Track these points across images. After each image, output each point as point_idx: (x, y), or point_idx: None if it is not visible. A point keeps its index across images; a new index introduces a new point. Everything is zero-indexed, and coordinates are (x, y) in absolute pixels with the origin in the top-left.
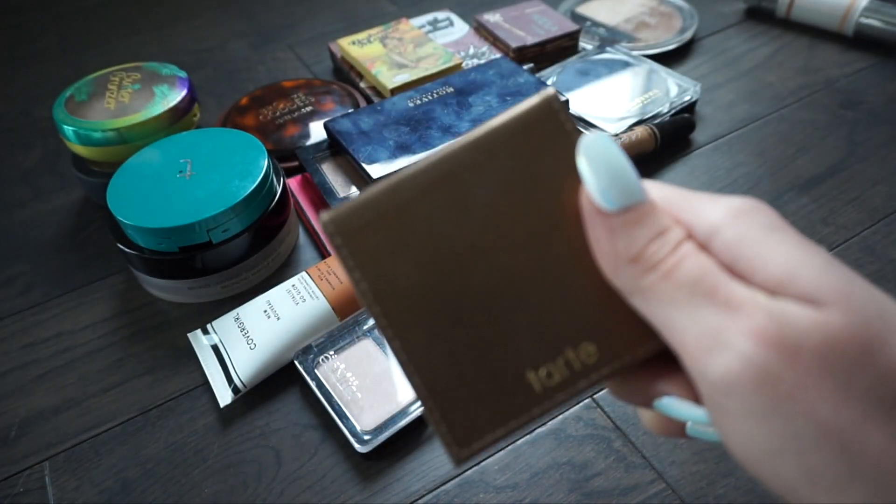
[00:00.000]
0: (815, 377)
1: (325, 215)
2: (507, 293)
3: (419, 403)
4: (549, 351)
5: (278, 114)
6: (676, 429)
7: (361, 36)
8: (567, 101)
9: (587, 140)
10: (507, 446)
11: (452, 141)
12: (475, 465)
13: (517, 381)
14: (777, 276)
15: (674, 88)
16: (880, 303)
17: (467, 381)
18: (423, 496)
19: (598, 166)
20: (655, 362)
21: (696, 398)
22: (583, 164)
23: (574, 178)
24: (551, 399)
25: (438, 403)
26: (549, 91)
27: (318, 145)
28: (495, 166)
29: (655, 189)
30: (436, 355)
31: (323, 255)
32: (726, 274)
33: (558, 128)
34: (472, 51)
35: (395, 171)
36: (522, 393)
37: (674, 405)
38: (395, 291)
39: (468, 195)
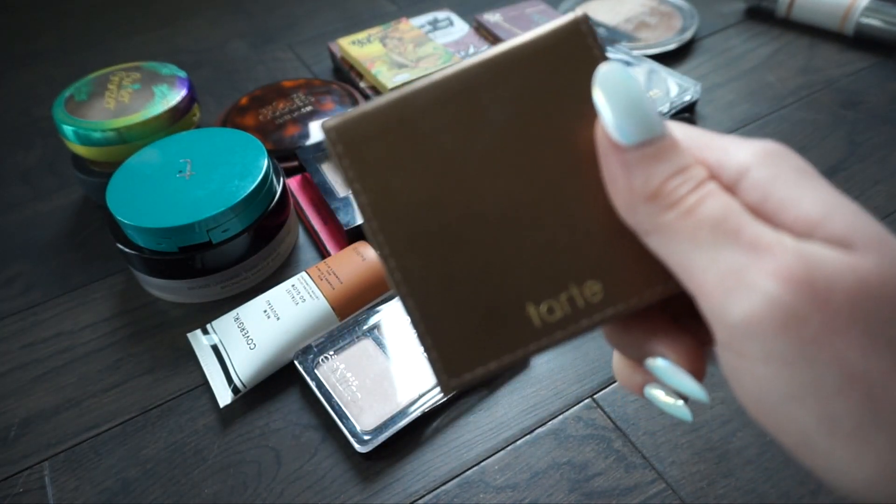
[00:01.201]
0: (844, 322)
1: (329, 121)
2: (513, 221)
3: (414, 330)
4: (553, 285)
5: (278, 114)
6: (637, 385)
7: (361, 36)
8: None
9: (604, 70)
10: (507, 446)
11: (471, 57)
12: (475, 466)
13: (516, 314)
14: (810, 216)
15: (674, 88)
16: None
17: (464, 309)
18: (423, 496)
19: (615, 98)
20: (655, 316)
21: (690, 364)
22: (598, 95)
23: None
24: (550, 336)
25: (431, 329)
26: (579, 13)
27: (318, 145)
28: (513, 86)
29: (680, 129)
30: (433, 278)
31: (323, 255)
32: (752, 216)
33: (585, 51)
34: (472, 51)
35: (407, 83)
36: (521, 326)
37: (668, 371)
38: (395, 207)
39: (481, 114)
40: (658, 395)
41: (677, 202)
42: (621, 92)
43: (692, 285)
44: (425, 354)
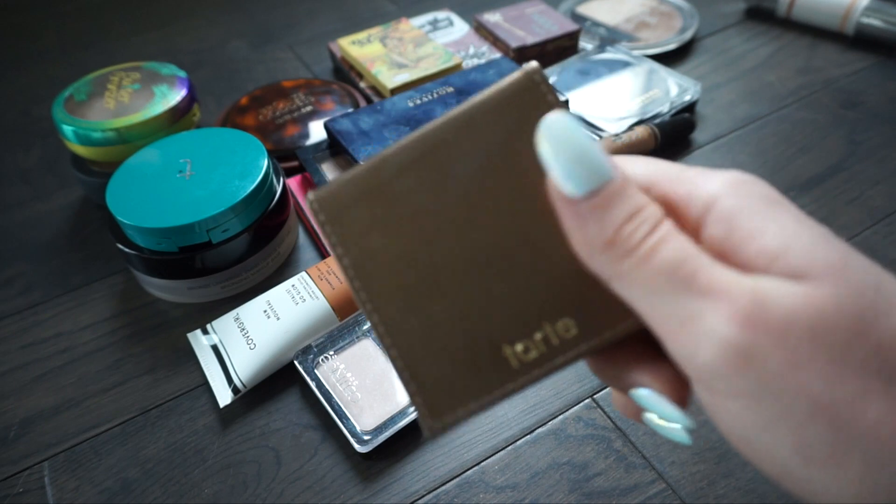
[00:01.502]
0: (805, 353)
1: (311, 194)
2: (486, 268)
3: (399, 378)
4: (527, 326)
5: (278, 114)
6: (634, 412)
7: (361, 36)
8: (566, 101)
9: (545, 123)
10: (507, 446)
11: (436, 119)
12: (475, 466)
13: (493, 356)
14: (770, 247)
15: (674, 88)
16: (876, 275)
17: (444, 355)
18: (423, 496)
19: (558, 150)
20: (636, 346)
21: (673, 392)
22: (543, 148)
23: None
24: (528, 375)
25: (414, 376)
26: (532, 64)
27: (318, 145)
28: (476, 141)
29: (648, 164)
30: (413, 328)
31: (323, 255)
32: (707, 255)
33: (540, 100)
34: (472, 51)
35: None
36: (498, 368)
37: (651, 400)
38: (375, 266)
39: (448, 171)
40: (654, 419)
41: (632, 250)
42: (564, 143)
43: (656, 330)
44: (411, 401)
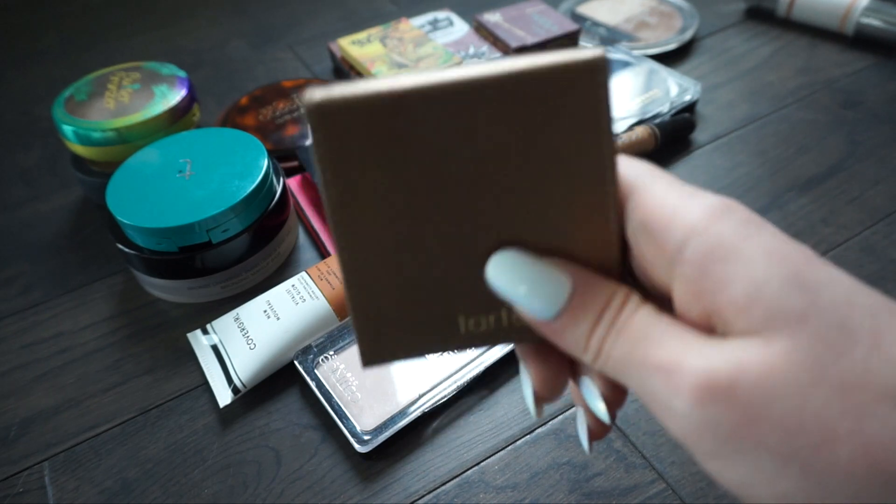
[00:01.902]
0: (756, 410)
1: (314, 95)
2: (471, 240)
3: (348, 303)
4: (489, 306)
5: (278, 114)
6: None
7: (361, 36)
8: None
9: (491, 268)
10: (507, 446)
11: (475, 66)
12: (475, 466)
13: (447, 319)
14: (737, 302)
15: (674, 88)
16: (844, 307)
17: (402, 297)
18: (423, 496)
19: (512, 289)
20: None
21: (604, 388)
22: (499, 291)
23: (579, 154)
24: (468, 342)
25: (366, 313)
26: (598, 52)
27: None
28: (510, 110)
29: (633, 168)
30: (380, 274)
31: (323, 255)
32: (666, 326)
33: (595, 93)
34: (472, 51)
35: (406, 75)
36: (448, 329)
37: (586, 388)
38: (361, 202)
39: (473, 129)
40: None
41: (600, 350)
42: (515, 281)
43: (644, 403)
44: (353, 324)
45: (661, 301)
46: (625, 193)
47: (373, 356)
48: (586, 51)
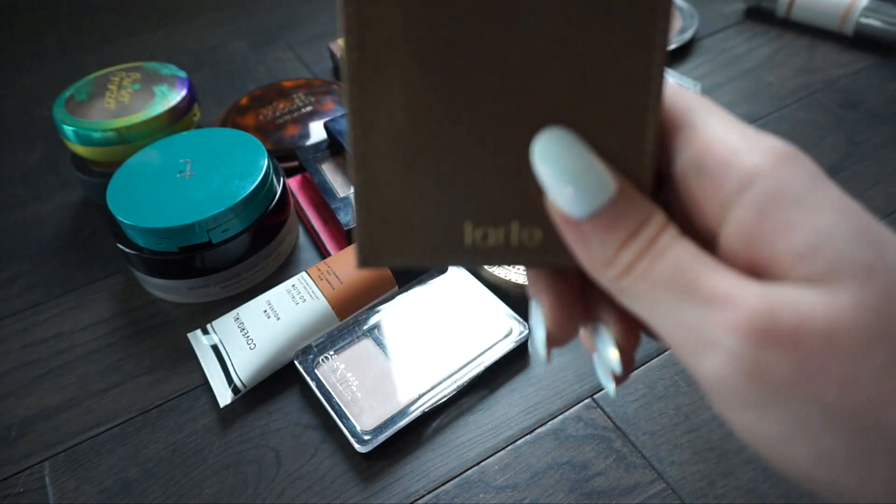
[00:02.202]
0: (818, 362)
1: None
2: (499, 128)
3: (353, 199)
4: (498, 215)
5: (278, 114)
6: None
7: None
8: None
9: (541, 142)
10: (507, 446)
11: None
12: (475, 466)
13: (453, 225)
14: (799, 248)
15: None
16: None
17: (408, 200)
18: (423, 496)
19: (555, 170)
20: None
21: (620, 337)
22: (539, 169)
23: (636, 53)
24: (472, 258)
25: (369, 206)
26: None
27: (318, 145)
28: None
29: (690, 99)
30: (391, 160)
31: (323, 255)
32: (713, 260)
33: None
34: None
35: None
36: (451, 238)
37: (602, 336)
38: (384, 68)
39: (518, 8)
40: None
41: (631, 267)
42: (562, 163)
43: (666, 342)
44: (356, 213)
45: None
46: (675, 125)
47: (369, 256)
48: None
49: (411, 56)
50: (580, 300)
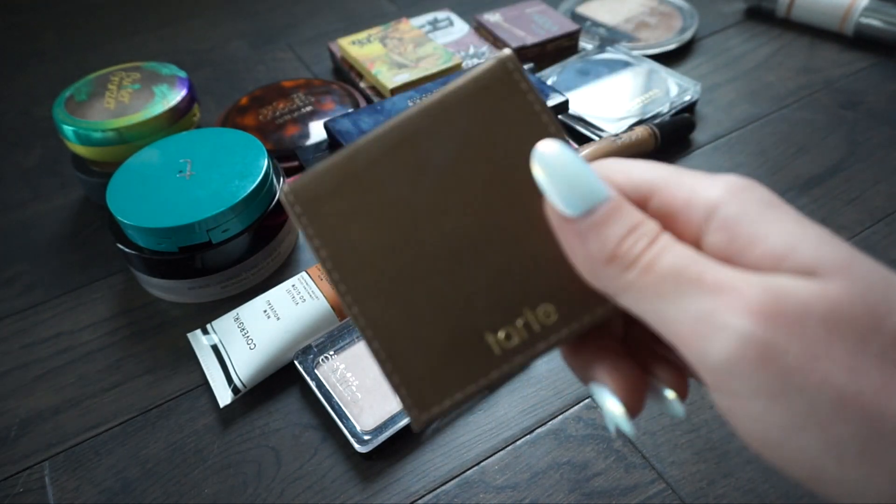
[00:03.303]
0: (824, 345)
1: (285, 186)
2: (465, 255)
3: (381, 371)
4: (508, 312)
5: (278, 114)
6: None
7: (361, 36)
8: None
9: (539, 149)
10: (507, 446)
11: (409, 107)
12: (475, 466)
13: (476, 344)
14: (775, 250)
15: (674, 88)
16: (882, 273)
17: (426, 345)
18: (423, 496)
19: (554, 174)
20: (609, 345)
21: (624, 394)
22: (538, 174)
23: (530, 138)
24: (510, 362)
25: (398, 368)
26: (506, 52)
27: (318, 145)
28: (451, 129)
29: (647, 169)
30: (394, 318)
31: None
32: (712, 260)
33: (514, 88)
34: (472, 51)
35: (356, 139)
36: (481, 355)
37: (600, 395)
38: (353, 257)
39: (424, 159)
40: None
41: (635, 261)
42: (559, 167)
43: (669, 337)
44: (395, 393)
45: None
46: (645, 195)
47: (422, 418)
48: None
49: (366, 231)
50: (632, 361)
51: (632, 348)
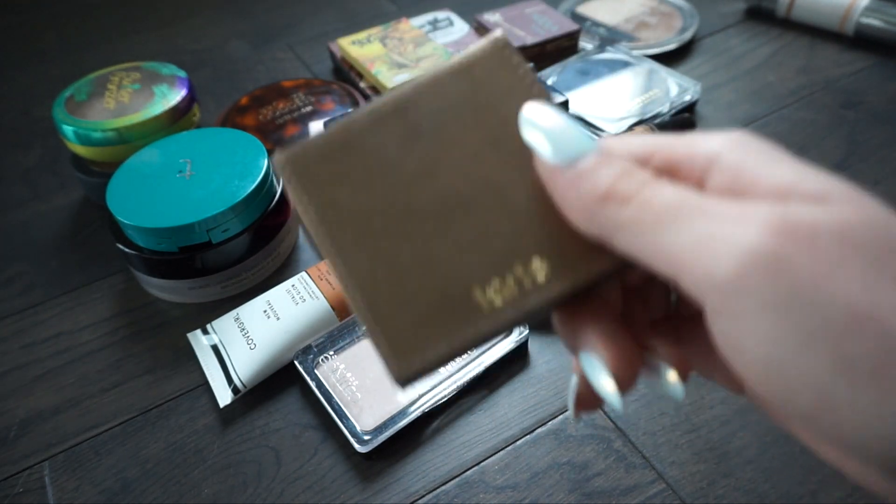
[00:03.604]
0: (837, 260)
1: (278, 153)
2: (455, 214)
3: (364, 328)
4: (498, 266)
5: (278, 114)
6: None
7: (361, 36)
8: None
9: (526, 109)
10: (507, 446)
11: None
12: (475, 465)
13: (463, 298)
14: (782, 183)
15: (674, 88)
16: (885, 207)
17: (411, 298)
18: (423, 496)
19: (543, 128)
20: (605, 315)
21: (615, 364)
22: (527, 131)
23: (520, 104)
24: (499, 316)
25: (378, 318)
26: (497, 33)
27: None
28: (443, 98)
29: (641, 138)
30: (379, 272)
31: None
32: (715, 195)
33: (505, 62)
34: None
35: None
36: (469, 309)
37: (591, 367)
38: (341, 214)
39: (416, 125)
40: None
41: (632, 196)
42: (547, 122)
43: (668, 268)
44: (375, 347)
45: None
46: (645, 158)
47: (402, 369)
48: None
49: (356, 194)
50: (630, 335)
51: (630, 325)
